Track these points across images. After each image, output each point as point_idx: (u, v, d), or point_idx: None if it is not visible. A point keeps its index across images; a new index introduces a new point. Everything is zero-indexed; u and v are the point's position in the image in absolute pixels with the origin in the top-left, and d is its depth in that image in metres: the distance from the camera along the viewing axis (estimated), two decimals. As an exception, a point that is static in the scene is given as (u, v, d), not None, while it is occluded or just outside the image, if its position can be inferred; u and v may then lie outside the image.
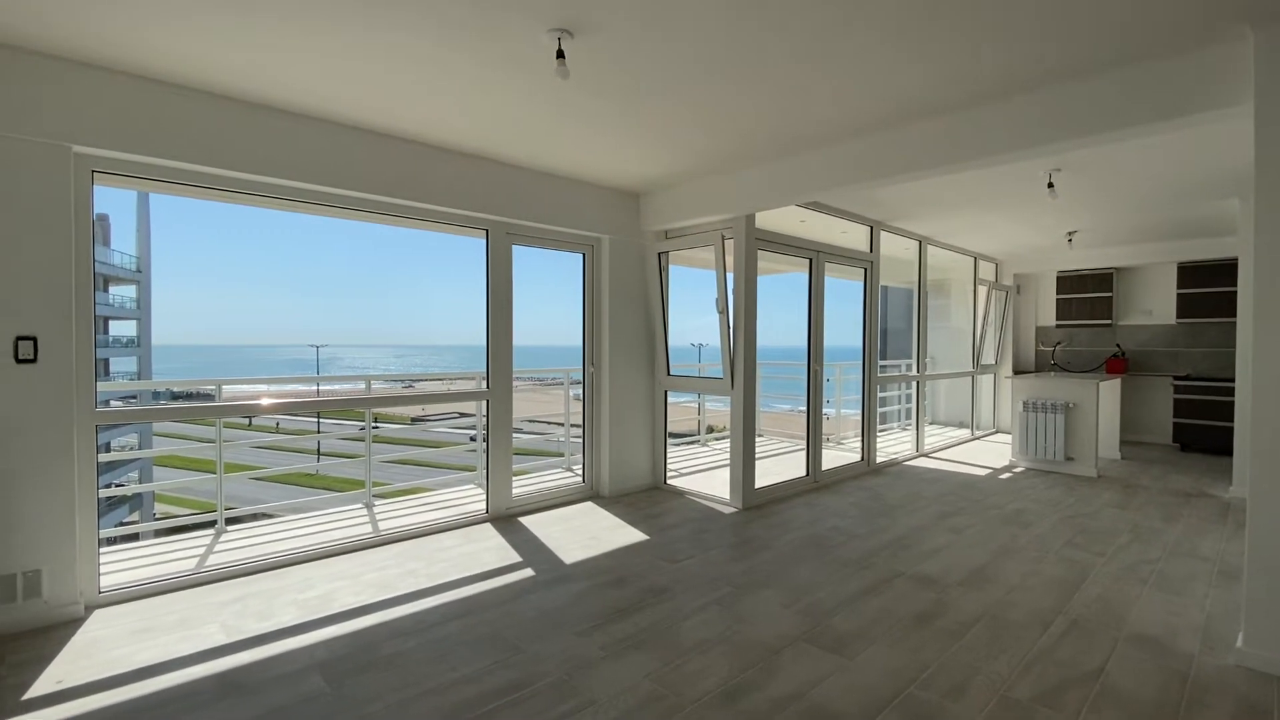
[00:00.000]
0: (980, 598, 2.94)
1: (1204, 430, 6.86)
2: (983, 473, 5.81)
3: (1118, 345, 7.82)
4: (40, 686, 2.16)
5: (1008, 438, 7.62)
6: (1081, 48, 2.50)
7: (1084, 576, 3.21)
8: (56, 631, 2.56)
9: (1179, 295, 7.25)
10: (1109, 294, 7.78)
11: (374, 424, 4.71)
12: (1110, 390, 6.55)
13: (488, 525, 4.09)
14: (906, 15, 2.25)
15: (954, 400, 8.58)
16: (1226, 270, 6.85)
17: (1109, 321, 7.84)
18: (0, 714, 2.00)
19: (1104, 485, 5.31)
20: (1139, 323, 7.78)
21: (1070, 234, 6.49)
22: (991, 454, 6.74)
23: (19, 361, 2.55)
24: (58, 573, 2.64)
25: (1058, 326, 8.33)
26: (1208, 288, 7.06)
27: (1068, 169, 4.13)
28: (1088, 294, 7.98)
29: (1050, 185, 4.30)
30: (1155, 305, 7.65)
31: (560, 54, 2.42)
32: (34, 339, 2.58)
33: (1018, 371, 8.36)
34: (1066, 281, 8.14)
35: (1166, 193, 4.79)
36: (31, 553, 2.58)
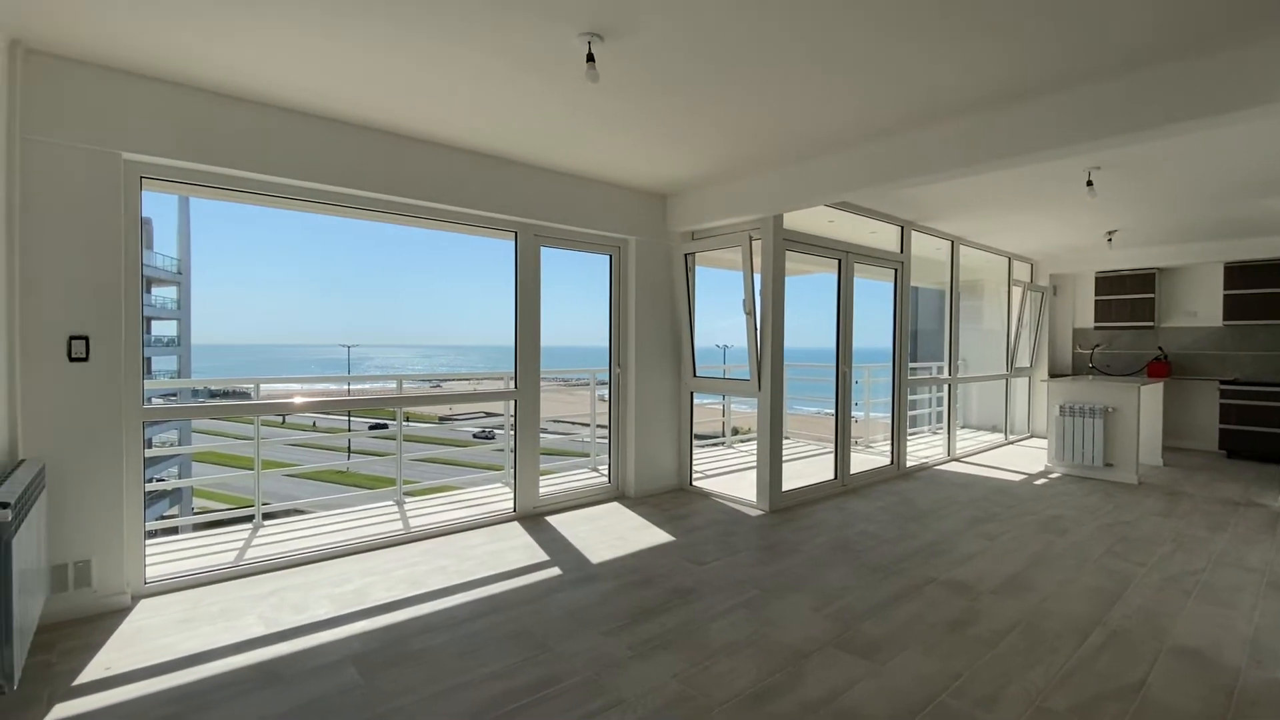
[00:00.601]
0: (1015, 606, 2.87)
1: (1252, 436, 6.61)
2: (1017, 478, 5.67)
3: (1160, 348, 7.58)
4: (90, 673, 2.25)
5: (1043, 443, 7.43)
6: (1124, 41, 2.43)
7: (1124, 586, 3.11)
8: (105, 620, 2.66)
9: (1226, 296, 6.98)
10: (1151, 295, 7.54)
11: (405, 422, 4.80)
12: (1152, 394, 6.35)
13: (515, 524, 4.14)
14: (937, 13, 2.22)
15: (987, 404, 8.40)
16: (1278, 271, 6.60)
17: (1151, 324, 7.59)
18: (52, 699, 2.09)
19: (1145, 492, 5.15)
20: (1183, 325, 7.52)
21: (1110, 233, 6.31)
22: (1026, 459, 6.58)
23: (72, 360, 2.66)
24: (106, 563, 2.75)
25: (1096, 329, 8.10)
26: (1257, 289, 6.79)
27: (1108, 167, 4.02)
28: (1128, 295, 7.74)
29: (1089, 184, 4.19)
30: (1200, 307, 7.39)
31: (590, 58, 2.44)
32: (86, 338, 2.69)
33: (1054, 375, 8.15)
34: (1106, 282, 7.91)
35: (1212, 190, 4.63)
36: (82, 543, 2.69)
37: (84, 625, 2.61)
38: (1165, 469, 6.14)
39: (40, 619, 2.44)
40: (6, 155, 2.45)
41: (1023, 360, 7.86)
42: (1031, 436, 8.05)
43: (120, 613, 2.73)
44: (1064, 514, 4.45)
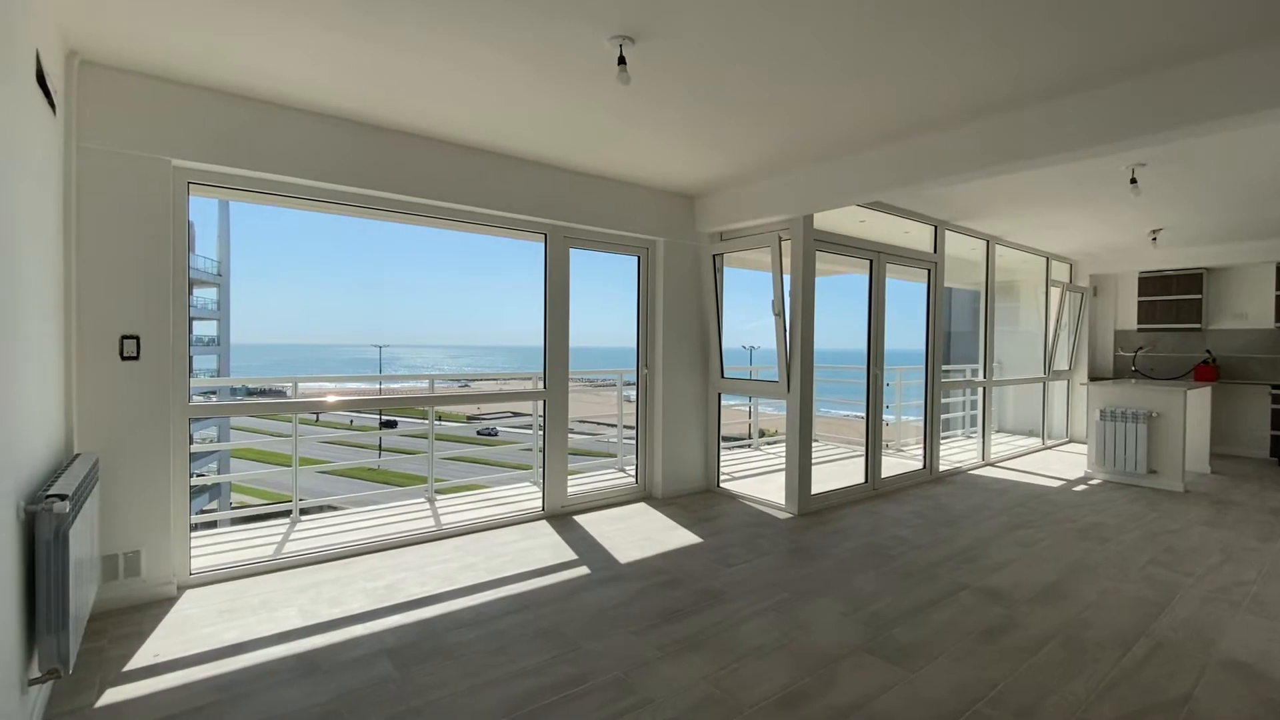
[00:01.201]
0: (1053, 615, 2.80)
1: (1306, 444, 6.32)
2: (1055, 484, 5.52)
3: (1208, 351, 7.30)
4: (139, 659, 2.34)
5: (1082, 448, 7.23)
6: (1181, 33, 2.36)
7: (1169, 597, 3.01)
8: (153, 608, 2.77)
9: (1278, 298, 6.70)
10: (1198, 296, 7.27)
11: (436, 421, 4.88)
12: (1199, 399, 6.12)
13: (543, 522, 4.17)
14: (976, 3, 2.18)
15: (1023, 407, 8.19)
16: (1334, 271, 6.31)
17: (1198, 325, 7.32)
18: (104, 684, 2.17)
19: (1191, 501, 4.96)
20: (1232, 327, 7.23)
21: (1154, 232, 6.10)
22: (1064, 464, 6.40)
23: (124, 359, 2.77)
24: (154, 554, 2.85)
25: (1139, 330, 7.85)
26: (1312, 290, 6.50)
27: (1153, 163, 3.89)
28: (1174, 296, 7.47)
29: (1133, 181, 4.06)
30: (1250, 308, 7.10)
31: (621, 60, 2.46)
32: (137, 338, 2.80)
33: (1094, 378, 7.91)
34: (1150, 283, 7.65)
35: (1264, 187, 4.45)
36: (132, 534, 2.80)
37: (133, 613, 2.72)
38: (1212, 476, 5.91)
39: (93, 607, 2.54)
40: (64, 163, 2.56)
41: (1061, 363, 7.65)
42: (1070, 441, 7.83)
43: (167, 602, 2.84)
44: (1105, 521, 4.32)
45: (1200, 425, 6.12)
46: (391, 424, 29.84)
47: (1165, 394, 5.40)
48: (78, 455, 2.53)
